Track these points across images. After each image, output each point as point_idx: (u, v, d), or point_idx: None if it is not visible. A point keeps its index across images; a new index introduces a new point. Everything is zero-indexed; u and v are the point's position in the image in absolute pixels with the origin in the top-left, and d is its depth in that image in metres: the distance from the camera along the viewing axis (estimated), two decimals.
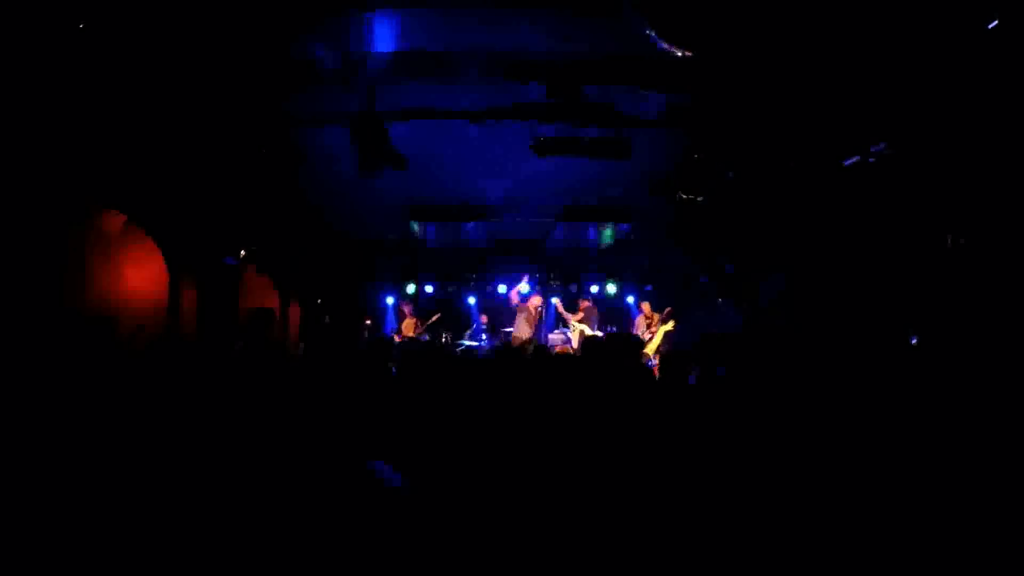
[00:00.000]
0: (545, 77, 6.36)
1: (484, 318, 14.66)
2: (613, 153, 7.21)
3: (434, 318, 14.21)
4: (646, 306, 12.88)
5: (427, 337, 13.56)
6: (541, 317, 12.29)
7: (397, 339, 13.09)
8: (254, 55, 5.82)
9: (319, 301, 14.51)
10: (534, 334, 11.78)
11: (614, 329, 13.62)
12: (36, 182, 6.21)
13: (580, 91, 6.50)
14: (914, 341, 7.83)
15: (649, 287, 15.33)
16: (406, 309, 14.28)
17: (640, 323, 12.64)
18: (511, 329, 13.36)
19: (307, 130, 7.23)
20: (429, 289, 15.47)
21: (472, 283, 15.55)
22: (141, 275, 9.37)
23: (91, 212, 8.34)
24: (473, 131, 7.27)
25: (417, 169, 7.71)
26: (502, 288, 15.34)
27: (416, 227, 12.23)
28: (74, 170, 6.53)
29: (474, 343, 13.15)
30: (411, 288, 15.35)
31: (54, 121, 5.76)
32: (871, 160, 7.36)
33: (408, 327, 13.81)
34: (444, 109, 6.88)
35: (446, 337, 13.78)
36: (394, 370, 4.58)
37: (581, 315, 12.38)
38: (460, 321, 14.97)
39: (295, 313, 14.09)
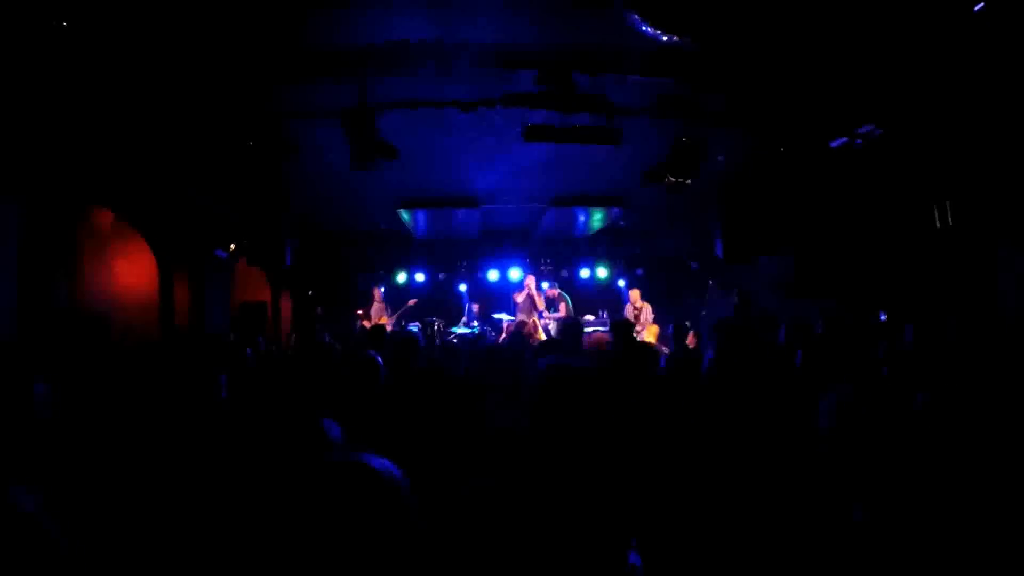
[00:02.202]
0: (535, 66, 6.37)
1: (476, 306, 14.67)
2: (603, 139, 7.23)
3: (410, 303, 13.69)
4: (635, 294, 12.31)
5: (409, 325, 13.43)
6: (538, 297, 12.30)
7: (366, 325, 12.33)
8: (243, 47, 5.80)
9: (310, 292, 14.48)
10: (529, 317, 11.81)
11: (605, 314, 13.62)
12: (26, 180, 6.17)
13: (570, 79, 6.51)
14: (883, 318, 7.92)
15: (640, 271, 15.37)
16: (376, 293, 13.86)
17: (628, 312, 12.44)
18: (499, 316, 13.37)
19: (298, 123, 7.20)
20: (420, 277, 15.46)
21: (463, 271, 15.56)
22: (133, 271, 9.35)
23: (81, 209, 8.30)
24: (464, 120, 7.26)
25: (408, 160, 7.70)
26: (494, 275, 15.41)
27: (407, 217, 12.21)
28: (63, 167, 6.48)
29: (467, 331, 13.16)
30: (402, 277, 15.35)
31: (40, 115, 5.73)
32: (858, 142, 7.41)
33: (377, 313, 13.19)
34: (435, 99, 6.86)
35: (438, 325, 13.73)
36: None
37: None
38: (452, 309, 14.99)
39: (287, 305, 14.07)
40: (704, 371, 2.63)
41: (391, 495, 1.40)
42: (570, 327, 6.13)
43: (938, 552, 1.40)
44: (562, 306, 12.46)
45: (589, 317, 12.54)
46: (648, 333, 11.06)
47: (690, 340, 8.50)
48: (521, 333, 7.26)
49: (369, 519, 1.35)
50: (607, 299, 15.11)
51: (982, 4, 4.90)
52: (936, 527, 1.46)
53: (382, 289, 14.10)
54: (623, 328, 6.49)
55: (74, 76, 5.44)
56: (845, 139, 7.42)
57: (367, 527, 1.34)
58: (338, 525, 1.33)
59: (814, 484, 1.87)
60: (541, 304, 12.25)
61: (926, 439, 1.57)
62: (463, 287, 15.48)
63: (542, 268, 15.26)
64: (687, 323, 9.49)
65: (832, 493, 1.63)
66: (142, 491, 2.33)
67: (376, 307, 13.49)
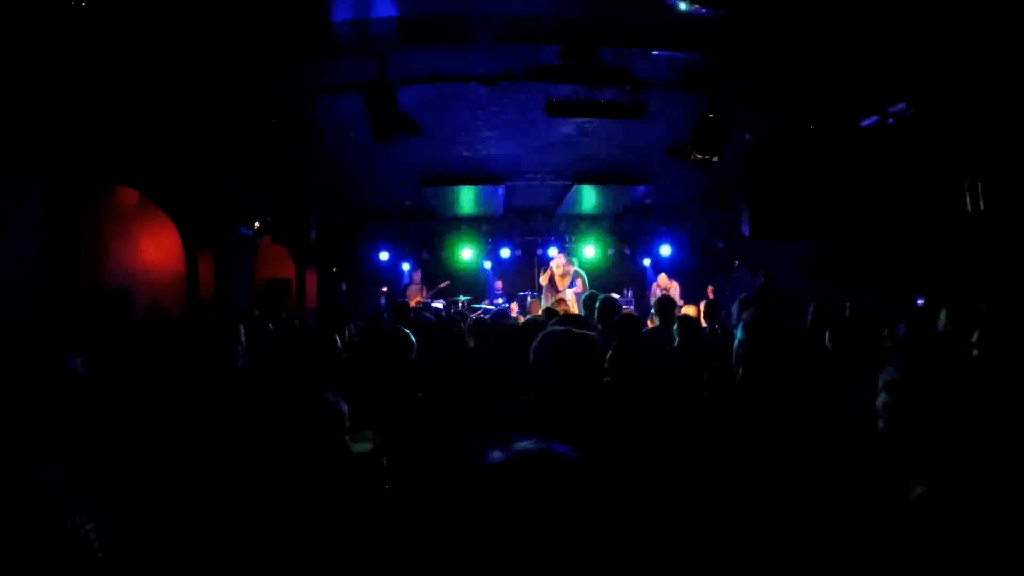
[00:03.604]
0: (560, 39, 6.26)
1: (499, 283, 14.66)
2: (627, 114, 7.11)
3: (442, 285, 14.08)
4: (662, 277, 12.45)
5: (433, 302, 13.49)
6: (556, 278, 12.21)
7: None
8: (265, 23, 5.76)
9: (335, 269, 14.54)
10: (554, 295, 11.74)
11: (630, 293, 13.52)
12: (51, 158, 6.21)
13: (595, 54, 6.40)
14: (920, 302, 7.75)
15: (666, 250, 15.20)
16: (414, 274, 14.20)
17: (655, 292, 12.37)
18: (524, 293, 13.34)
19: (323, 101, 7.18)
20: (446, 255, 15.46)
21: (488, 248, 15.49)
22: (157, 248, 9.43)
23: (106, 187, 8.36)
24: (487, 96, 7.19)
25: (431, 136, 7.67)
26: (518, 253, 15.36)
27: (431, 194, 12.19)
28: (87, 145, 6.51)
29: (492, 307, 13.15)
30: (427, 254, 15.33)
31: (64, 94, 5.74)
32: (890, 121, 7.22)
33: (413, 293, 13.67)
34: (459, 74, 6.79)
35: (462, 303, 13.75)
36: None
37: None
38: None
39: (312, 282, 14.15)
40: (735, 352, 2.61)
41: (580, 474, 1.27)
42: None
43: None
44: (579, 282, 12.38)
45: (614, 296, 12.42)
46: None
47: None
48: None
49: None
50: (632, 278, 15.00)
51: None
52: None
53: (419, 271, 14.25)
54: (665, 306, 6.63)
55: (97, 55, 5.44)
56: (876, 118, 7.22)
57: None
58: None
59: (866, 464, 1.84)
60: (563, 284, 12.18)
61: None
62: (487, 264, 15.45)
63: (567, 245, 15.16)
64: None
65: (888, 472, 1.59)
66: (159, 465, 2.34)
67: (413, 287, 13.69)
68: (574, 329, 2.47)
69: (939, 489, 1.46)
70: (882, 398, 1.60)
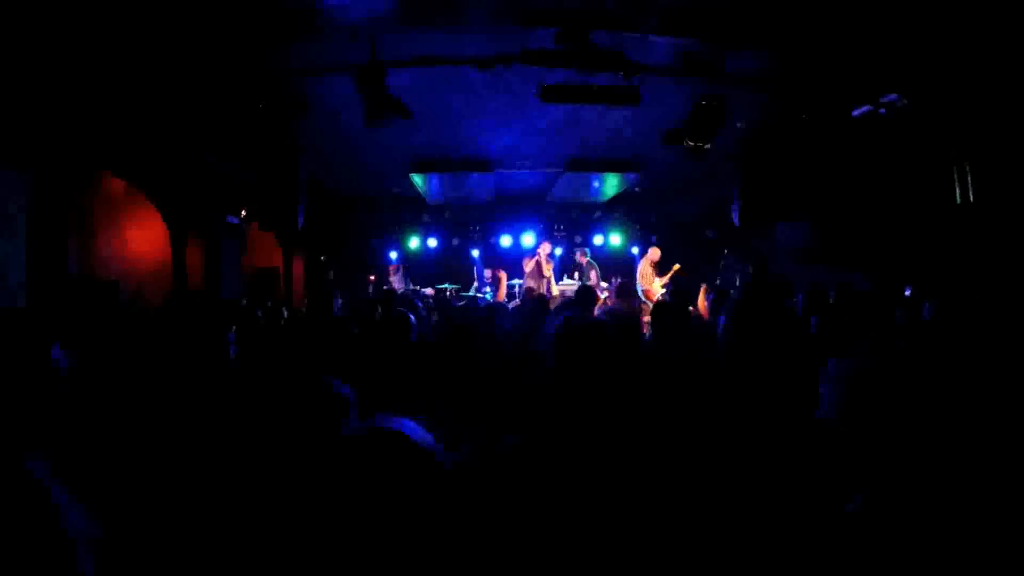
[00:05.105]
0: (555, 22, 6.21)
1: (488, 272, 14.59)
2: (622, 100, 7.06)
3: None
4: (655, 251, 11.95)
5: (415, 289, 13.42)
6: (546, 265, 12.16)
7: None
8: (254, 4, 5.66)
9: (322, 257, 14.46)
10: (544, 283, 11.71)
11: (619, 281, 13.49)
12: (36, 147, 6.10)
13: (590, 37, 6.35)
14: (908, 292, 7.79)
15: (655, 239, 15.20)
16: (390, 269, 14.09)
17: (645, 266, 12.06)
18: (513, 282, 13.30)
19: (312, 85, 7.08)
20: (433, 243, 15.41)
21: (477, 236, 15.44)
22: (144, 237, 9.32)
23: (92, 175, 8.24)
24: (479, 80, 7.12)
25: (422, 121, 7.59)
26: (507, 240, 15.31)
27: (420, 181, 12.10)
28: (71, 132, 6.40)
29: (480, 295, 13.10)
30: (415, 242, 15.31)
31: (47, 79, 5.64)
32: (881, 111, 7.23)
33: (398, 284, 13.53)
34: (452, 56, 6.72)
35: (450, 291, 13.70)
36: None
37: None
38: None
39: (299, 270, 14.07)
40: (719, 336, 2.59)
41: (427, 463, 1.28)
42: (585, 291, 6.27)
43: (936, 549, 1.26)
44: (592, 274, 12.36)
45: (603, 284, 12.42)
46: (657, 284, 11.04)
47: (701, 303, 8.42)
48: (535, 298, 7.21)
49: (406, 491, 1.24)
50: (621, 266, 14.99)
51: None
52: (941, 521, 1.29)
53: (397, 259, 14.17)
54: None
55: (81, 37, 5.34)
56: (869, 108, 7.22)
57: (404, 500, 1.23)
58: (372, 499, 1.21)
59: (811, 467, 1.78)
60: (548, 272, 12.12)
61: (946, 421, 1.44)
62: (476, 252, 15.39)
63: (556, 234, 15.15)
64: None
65: (830, 478, 1.52)
66: (154, 453, 2.32)
67: (396, 278, 13.63)
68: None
69: (873, 500, 1.34)
70: (831, 385, 1.56)
